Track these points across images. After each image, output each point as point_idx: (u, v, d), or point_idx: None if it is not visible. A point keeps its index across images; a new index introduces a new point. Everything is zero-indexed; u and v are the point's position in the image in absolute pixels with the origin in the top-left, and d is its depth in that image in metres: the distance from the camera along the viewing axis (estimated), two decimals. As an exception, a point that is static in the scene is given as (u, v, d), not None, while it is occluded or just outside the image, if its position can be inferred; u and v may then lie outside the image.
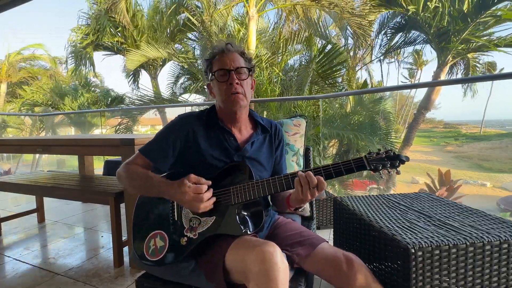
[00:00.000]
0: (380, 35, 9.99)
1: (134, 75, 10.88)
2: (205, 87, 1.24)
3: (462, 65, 10.35)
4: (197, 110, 1.16)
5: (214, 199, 0.89)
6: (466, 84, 12.40)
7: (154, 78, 11.37)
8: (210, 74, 1.02)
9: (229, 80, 0.97)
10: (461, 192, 11.76)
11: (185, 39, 10.30)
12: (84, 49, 9.70)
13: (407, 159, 0.84)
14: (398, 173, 0.84)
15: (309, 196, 0.83)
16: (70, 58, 10.17)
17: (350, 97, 6.69)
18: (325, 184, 0.84)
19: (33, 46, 15.29)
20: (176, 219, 0.93)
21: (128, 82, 10.77)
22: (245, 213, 0.93)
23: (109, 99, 11.31)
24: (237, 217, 0.89)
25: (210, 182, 0.89)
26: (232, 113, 1.02)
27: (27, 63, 15.56)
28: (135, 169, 0.96)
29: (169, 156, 0.99)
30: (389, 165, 0.83)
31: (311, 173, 0.84)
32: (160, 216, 0.95)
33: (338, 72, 5.80)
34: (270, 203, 1.14)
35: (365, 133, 5.44)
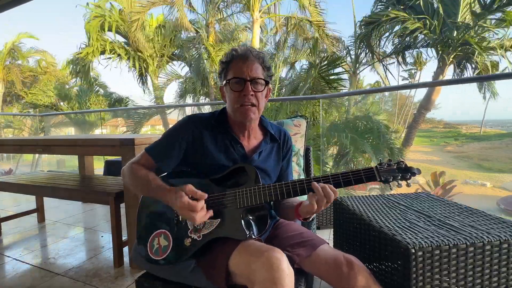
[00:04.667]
0: (380, 38, 10.04)
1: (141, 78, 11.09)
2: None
3: (461, 66, 10.31)
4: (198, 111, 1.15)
5: (209, 213, 0.86)
6: (483, 85, 11.66)
7: (156, 79, 11.47)
8: (224, 80, 0.97)
9: (243, 91, 0.92)
10: (456, 191, 11.75)
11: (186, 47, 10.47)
12: (85, 59, 9.83)
13: (419, 171, 0.81)
14: (408, 185, 0.82)
15: (322, 207, 0.83)
16: (73, 65, 10.28)
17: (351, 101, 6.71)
18: (337, 194, 0.82)
19: (24, 36, 14.98)
20: (180, 219, 0.92)
21: (137, 82, 10.94)
22: (250, 217, 0.92)
23: (116, 105, 11.40)
24: (242, 221, 0.88)
25: (206, 195, 0.85)
26: (242, 123, 0.99)
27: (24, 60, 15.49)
28: (138, 169, 0.95)
29: (174, 156, 0.97)
30: (399, 177, 0.81)
31: (327, 187, 0.81)
32: (164, 215, 0.95)
33: (341, 80, 5.90)
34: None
35: (367, 136, 5.45)
